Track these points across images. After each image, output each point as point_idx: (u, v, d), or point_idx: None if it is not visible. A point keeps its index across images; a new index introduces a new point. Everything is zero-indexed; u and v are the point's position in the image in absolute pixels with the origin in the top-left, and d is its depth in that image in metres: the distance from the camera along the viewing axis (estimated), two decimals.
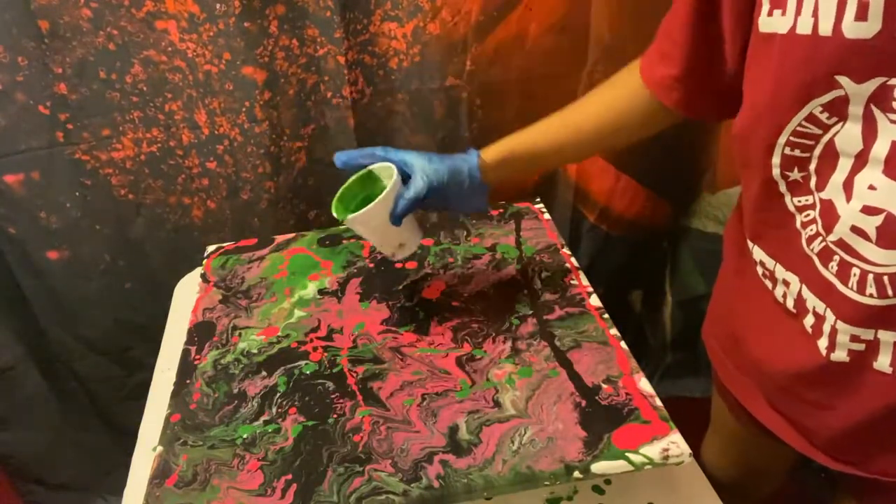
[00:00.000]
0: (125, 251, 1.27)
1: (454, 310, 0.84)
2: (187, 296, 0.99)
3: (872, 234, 0.53)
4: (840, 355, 0.60)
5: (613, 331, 0.77)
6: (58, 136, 1.15)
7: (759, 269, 0.68)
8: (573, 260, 0.91)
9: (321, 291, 0.90)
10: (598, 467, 0.62)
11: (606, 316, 0.80)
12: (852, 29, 0.49)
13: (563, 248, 0.93)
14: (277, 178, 1.25)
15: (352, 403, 0.72)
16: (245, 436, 0.69)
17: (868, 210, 0.53)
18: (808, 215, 0.59)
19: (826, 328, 0.60)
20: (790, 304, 0.64)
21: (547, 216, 1.02)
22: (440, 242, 0.97)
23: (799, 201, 0.60)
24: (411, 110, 1.25)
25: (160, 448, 0.69)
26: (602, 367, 0.72)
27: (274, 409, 0.72)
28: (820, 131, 0.55)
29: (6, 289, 1.25)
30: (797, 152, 0.57)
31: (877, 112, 0.51)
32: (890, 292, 0.54)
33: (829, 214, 0.56)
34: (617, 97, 0.78)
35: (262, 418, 0.71)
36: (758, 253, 0.67)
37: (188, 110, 1.17)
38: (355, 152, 0.79)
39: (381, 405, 0.71)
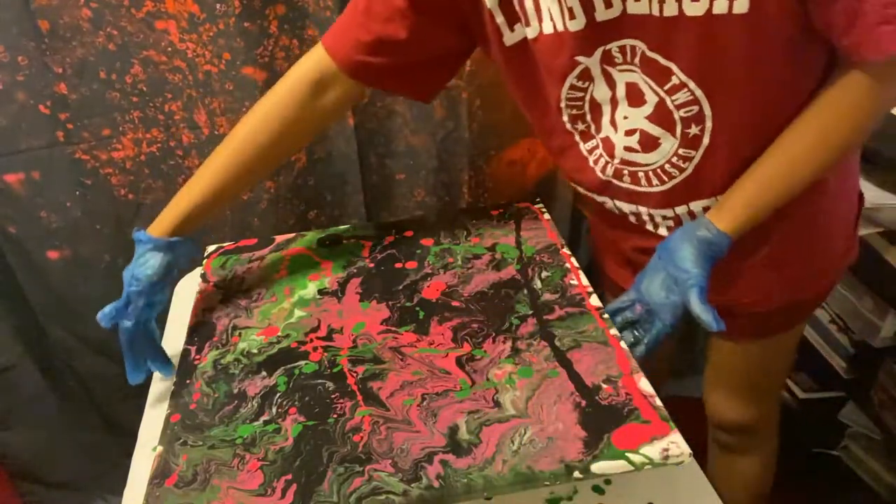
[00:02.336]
0: (125, 251, 1.27)
1: (454, 310, 0.84)
2: (187, 295, 0.99)
3: (637, 146, 0.78)
4: (663, 231, 0.86)
5: (613, 331, 0.77)
6: (58, 136, 1.15)
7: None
8: (573, 260, 0.91)
9: (321, 291, 0.90)
10: (598, 467, 0.62)
11: (606, 316, 0.80)
12: (571, 25, 0.71)
13: (563, 248, 0.93)
14: (277, 178, 1.25)
15: (352, 403, 0.72)
16: (245, 436, 0.69)
17: (628, 132, 0.78)
18: (595, 154, 0.83)
19: (644, 214, 0.85)
20: (616, 212, 0.89)
21: (547, 216, 1.01)
22: (440, 242, 0.97)
23: (586, 146, 0.84)
24: (411, 111, 1.25)
25: (160, 448, 0.69)
26: (602, 367, 0.72)
27: (274, 409, 0.72)
28: (582, 93, 0.78)
29: (6, 288, 1.25)
30: (574, 111, 0.81)
31: (608, 69, 0.75)
32: (664, 179, 0.80)
33: (609, 146, 0.81)
34: (286, 95, 0.86)
35: (262, 418, 0.71)
36: (578, 187, 0.92)
37: (188, 110, 1.17)
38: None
39: (381, 405, 0.71)
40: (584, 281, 0.86)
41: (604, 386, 0.70)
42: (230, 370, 0.78)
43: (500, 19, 0.77)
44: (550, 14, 0.72)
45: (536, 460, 0.62)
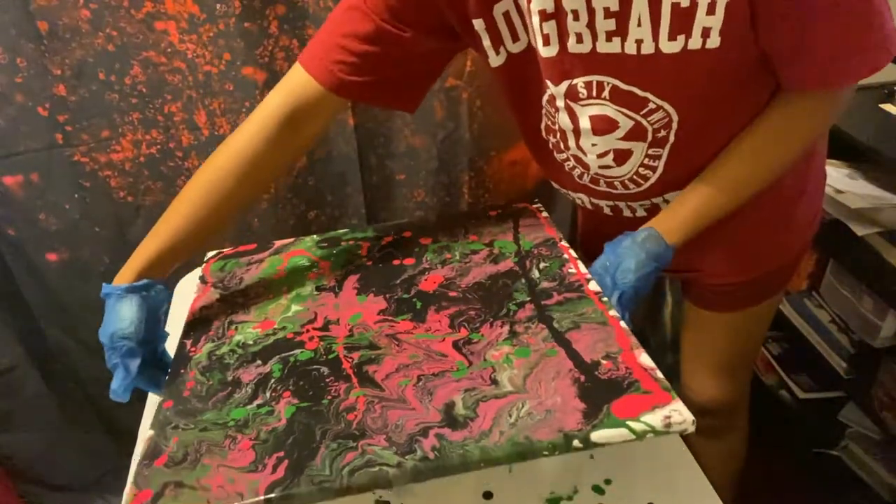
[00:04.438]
0: (125, 254, 1.26)
1: (451, 299, 0.83)
2: (186, 296, 0.98)
3: (612, 163, 0.85)
4: (642, 213, 0.93)
5: (613, 312, 0.76)
6: (57, 138, 1.15)
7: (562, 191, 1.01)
8: (571, 251, 0.89)
9: (318, 288, 0.89)
10: (599, 436, 0.60)
11: (606, 299, 0.78)
12: (544, 51, 0.76)
13: (561, 241, 0.92)
14: (277, 178, 1.25)
15: (346, 386, 0.70)
16: (238, 418, 0.68)
17: (601, 155, 0.85)
18: (569, 164, 0.91)
19: (623, 207, 0.94)
20: (589, 206, 0.98)
21: (545, 214, 1.01)
22: (438, 241, 0.97)
23: (559, 157, 0.92)
24: None
25: (151, 432, 0.68)
26: (601, 344, 0.71)
27: (268, 394, 0.71)
28: (553, 115, 0.85)
29: (6, 290, 1.25)
30: (548, 122, 0.88)
31: (571, 103, 0.81)
32: (640, 182, 0.87)
33: (582, 163, 0.89)
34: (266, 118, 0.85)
35: (256, 402, 0.70)
36: (555, 184, 1.01)
37: (188, 111, 1.17)
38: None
39: (376, 386, 0.70)
40: (583, 269, 0.85)
41: (603, 362, 0.68)
42: (225, 360, 0.77)
43: (486, 42, 0.81)
44: (533, 35, 0.77)
45: (534, 431, 0.61)
